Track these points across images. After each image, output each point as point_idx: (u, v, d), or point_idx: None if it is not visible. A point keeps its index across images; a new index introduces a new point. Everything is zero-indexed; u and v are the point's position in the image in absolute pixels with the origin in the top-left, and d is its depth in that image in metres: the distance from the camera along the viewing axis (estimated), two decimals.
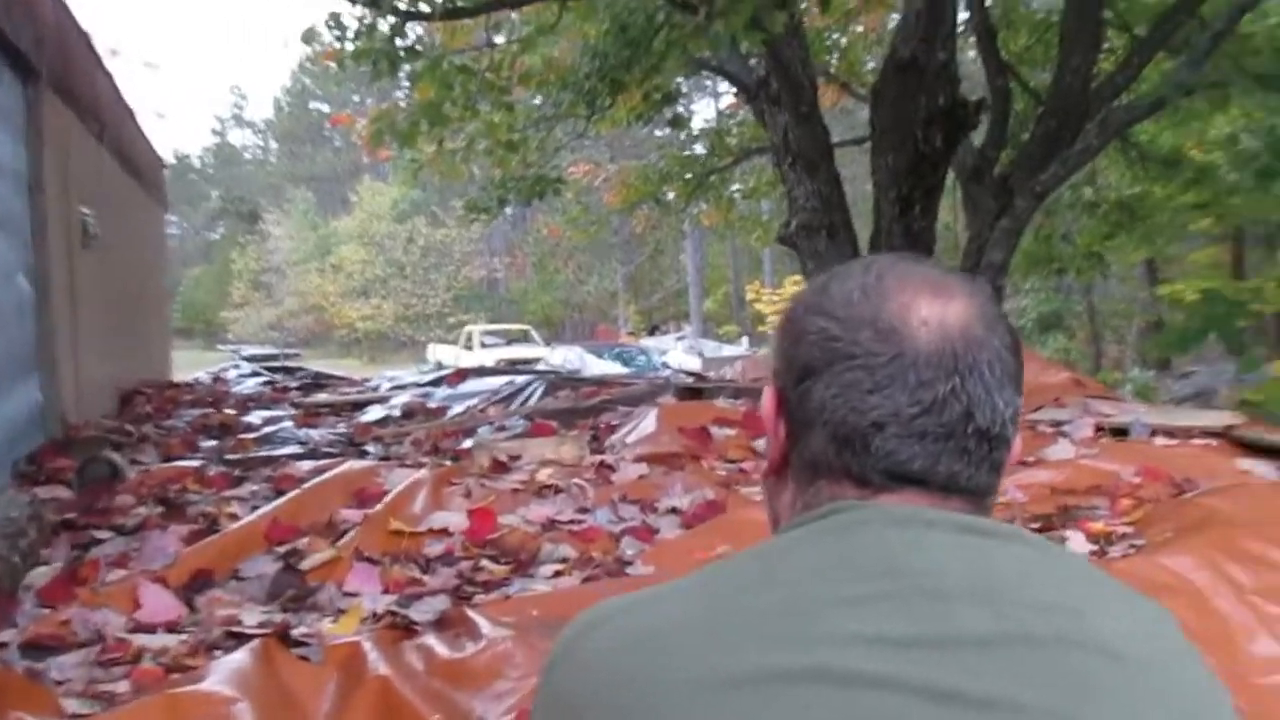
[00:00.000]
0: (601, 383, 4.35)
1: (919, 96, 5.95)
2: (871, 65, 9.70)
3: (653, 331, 28.78)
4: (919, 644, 0.71)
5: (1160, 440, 2.65)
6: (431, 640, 1.59)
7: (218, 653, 1.50)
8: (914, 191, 6.19)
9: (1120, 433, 2.83)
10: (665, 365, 19.18)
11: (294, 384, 6.29)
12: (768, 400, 0.90)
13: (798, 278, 28.05)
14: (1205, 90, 5.16)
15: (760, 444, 2.85)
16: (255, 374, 6.48)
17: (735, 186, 12.05)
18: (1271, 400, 3.31)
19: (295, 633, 1.59)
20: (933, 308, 0.83)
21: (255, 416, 4.54)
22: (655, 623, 0.77)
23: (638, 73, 7.24)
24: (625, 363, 19.23)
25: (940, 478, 0.81)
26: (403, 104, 7.80)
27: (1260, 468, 2.38)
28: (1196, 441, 2.62)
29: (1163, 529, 1.81)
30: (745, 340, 26.83)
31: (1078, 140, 5.86)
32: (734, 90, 8.95)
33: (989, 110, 6.85)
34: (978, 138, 7.01)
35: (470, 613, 1.67)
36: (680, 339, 26.10)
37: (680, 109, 9.40)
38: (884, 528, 0.79)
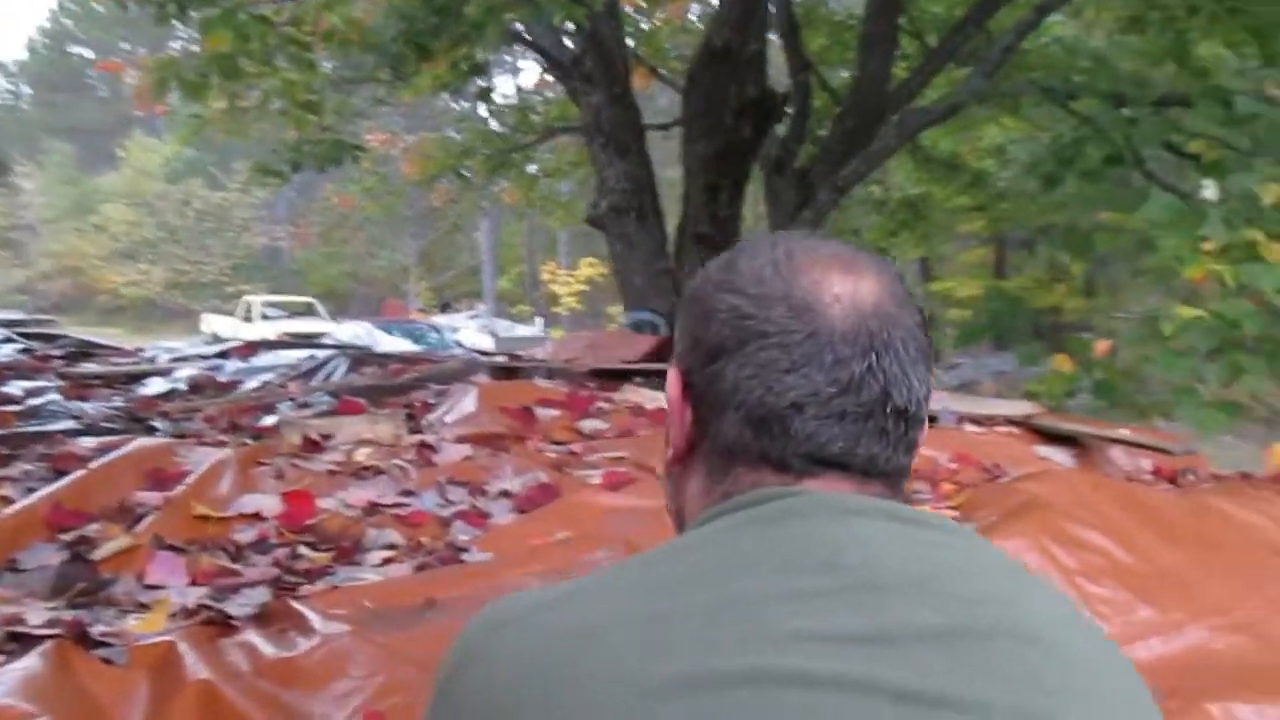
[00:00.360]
0: (410, 359, 4.17)
1: (730, 85, 6.05)
2: (676, 55, 9.81)
3: (444, 309, 28.25)
4: (871, 641, 0.66)
5: (969, 427, 2.78)
6: (254, 637, 1.44)
7: (0, 658, 1.30)
8: (722, 179, 6.30)
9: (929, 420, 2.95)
10: (458, 344, 18.87)
11: (57, 352, 5.72)
12: (673, 384, 0.84)
13: (594, 259, 28.29)
14: (997, 99, 5.53)
15: (587, 425, 2.80)
16: (9, 340, 5.84)
17: (533, 167, 11.91)
18: (1050, 392, 3.57)
19: (93, 632, 1.40)
20: (844, 284, 0.80)
21: (14, 387, 4.08)
22: (586, 620, 0.69)
23: (446, 40, 7.01)
24: (415, 340, 18.77)
25: (860, 460, 0.78)
26: (180, 53, 7.24)
27: (1057, 455, 2.54)
28: (1000, 429, 2.76)
29: (987, 513, 1.88)
30: (540, 321, 26.76)
31: (877, 139, 6.13)
32: (541, 67, 8.83)
33: (792, 104, 7.05)
34: (779, 130, 7.21)
35: (296, 605, 1.52)
36: (474, 317, 25.74)
37: (486, 82, 9.16)
38: (816, 517, 0.75)
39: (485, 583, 1.64)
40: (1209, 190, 3.09)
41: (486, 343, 18.05)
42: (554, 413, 2.86)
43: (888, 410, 0.78)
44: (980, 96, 5.57)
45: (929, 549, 0.74)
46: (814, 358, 0.76)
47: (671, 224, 6.90)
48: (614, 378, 3.75)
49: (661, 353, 4.03)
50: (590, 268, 27.92)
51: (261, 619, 1.50)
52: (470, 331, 21.89)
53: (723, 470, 0.80)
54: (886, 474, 0.80)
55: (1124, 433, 2.73)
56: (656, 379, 3.68)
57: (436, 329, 21.41)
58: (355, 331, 19.02)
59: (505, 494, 2.15)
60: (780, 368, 0.76)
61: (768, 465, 0.79)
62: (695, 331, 0.82)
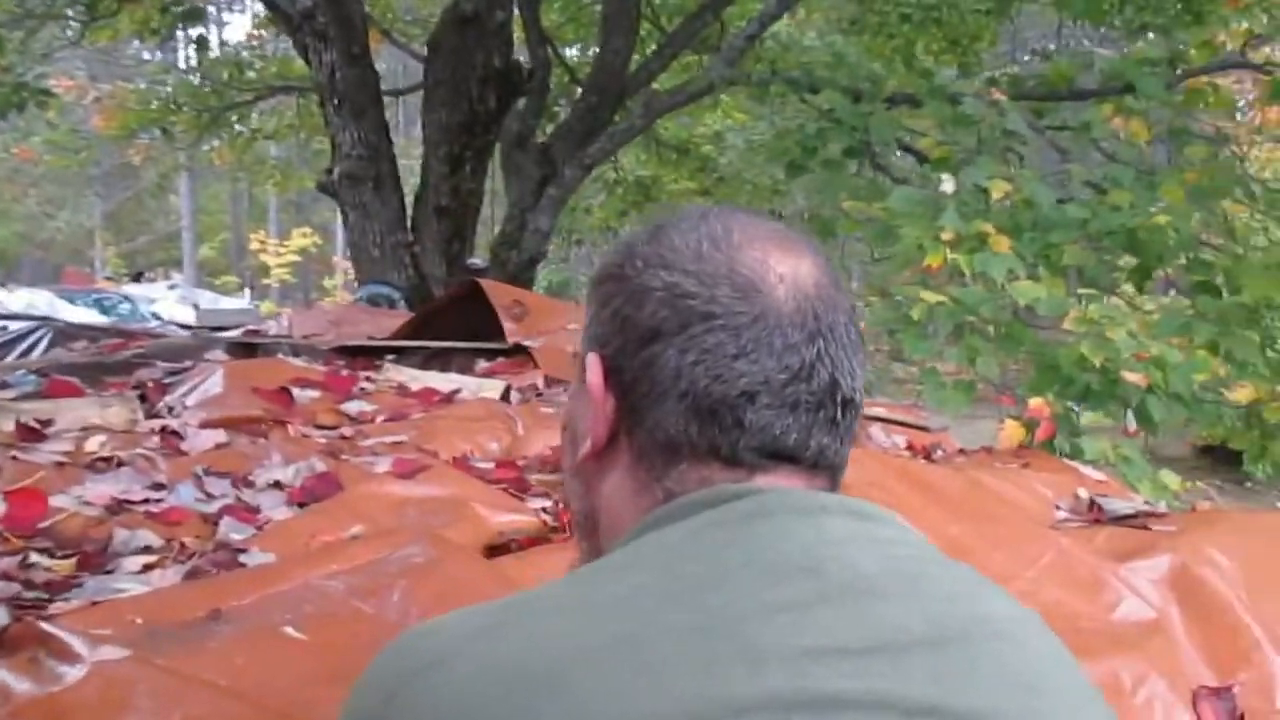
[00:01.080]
0: (127, 334, 3.73)
1: (476, 53, 5.87)
2: (410, 18, 9.45)
3: (138, 278, 25.82)
4: (871, 653, 0.60)
5: None
6: None
7: None
8: (465, 150, 6.12)
9: None
10: (155, 316, 17.36)
11: None
12: (593, 370, 0.74)
13: (308, 230, 26.87)
14: (745, 87, 5.73)
15: (352, 407, 2.59)
16: None
17: (239, 127, 11.04)
18: None
19: None
20: (786, 263, 0.74)
21: None
22: (539, 653, 0.59)
23: None
24: (104, 311, 17.10)
25: (812, 453, 0.73)
26: None
27: None
28: None
29: None
30: (248, 293, 25.11)
31: (624, 119, 6.17)
32: (268, 18, 8.21)
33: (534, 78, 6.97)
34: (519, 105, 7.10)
35: (48, 627, 1.28)
36: (172, 288, 23.68)
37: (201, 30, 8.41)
38: (782, 517, 0.68)
39: (277, 587, 1.46)
40: (948, 184, 3.33)
41: (187, 315, 16.70)
42: (313, 394, 2.63)
43: (837, 399, 0.73)
44: (726, 82, 5.74)
45: (893, 546, 0.69)
46: (763, 342, 0.70)
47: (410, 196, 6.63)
48: (363, 355, 3.52)
49: (416, 329, 3.83)
50: (304, 238, 26.51)
51: (3, 645, 1.24)
52: (169, 303, 20.10)
53: (662, 466, 0.72)
54: (832, 467, 0.74)
55: (880, 410, 2.87)
56: (414, 358, 3.50)
57: (129, 299, 19.52)
58: (32, 301, 17.00)
59: (277, 485, 1.94)
60: (728, 353, 0.69)
61: (716, 460, 0.71)
62: (622, 311, 0.73)
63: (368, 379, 2.94)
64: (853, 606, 0.62)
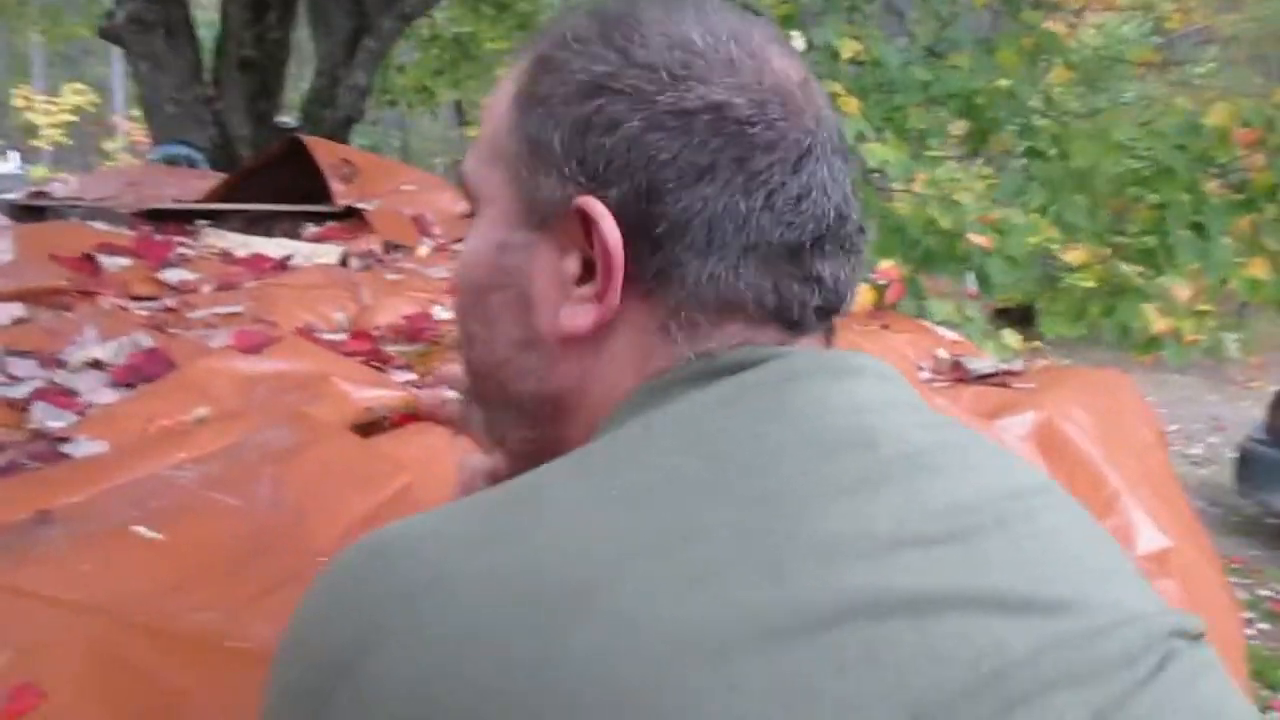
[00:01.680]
0: None
1: None
2: None
3: None
4: (952, 539, 0.51)
5: None
6: None
7: None
8: None
9: None
10: None
11: None
12: (609, 225, 0.57)
13: (81, 86, 24.35)
14: None
15: (172, 276, 2.31)
16: None
17: None
18: None
19: None
20: (796, 69, 0.63)
21: None
22: (560, 562, 0.46)
23: None
24: None
25: (848, 305, 0.63)
26: None
27: None
28: None
29: None
30: (16, 156, 22.65)
31: None
32: None
33: None
34: None
35: None
36: None
37: None
38: (822, 381, 0.57)
39: (115, 481, 1.26)
40: (797, 40, 3.23)
41: None
42: (123, 261, 2.34)
43: (858, 234, 0.63)
44: None
45: (924, 413, 0.60)
46: (818, 176, 0.58)
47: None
48: (173, 220, 3.17)
49: (231, 191, 3.48)
50: (78, 95, 24.04)
51: None
52: None
53: (708, 327, 0.58)
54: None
55: None
56: (231, 222, 3.18)
57: None
58: None
59: (96, 364, 1.70)
60: (792, 193, 0.57)
61: (778, 321, 0.59)
62: (644, 139, 0.56)
63: (184, 245, 2.64)
64: (916, 485, 0.53)
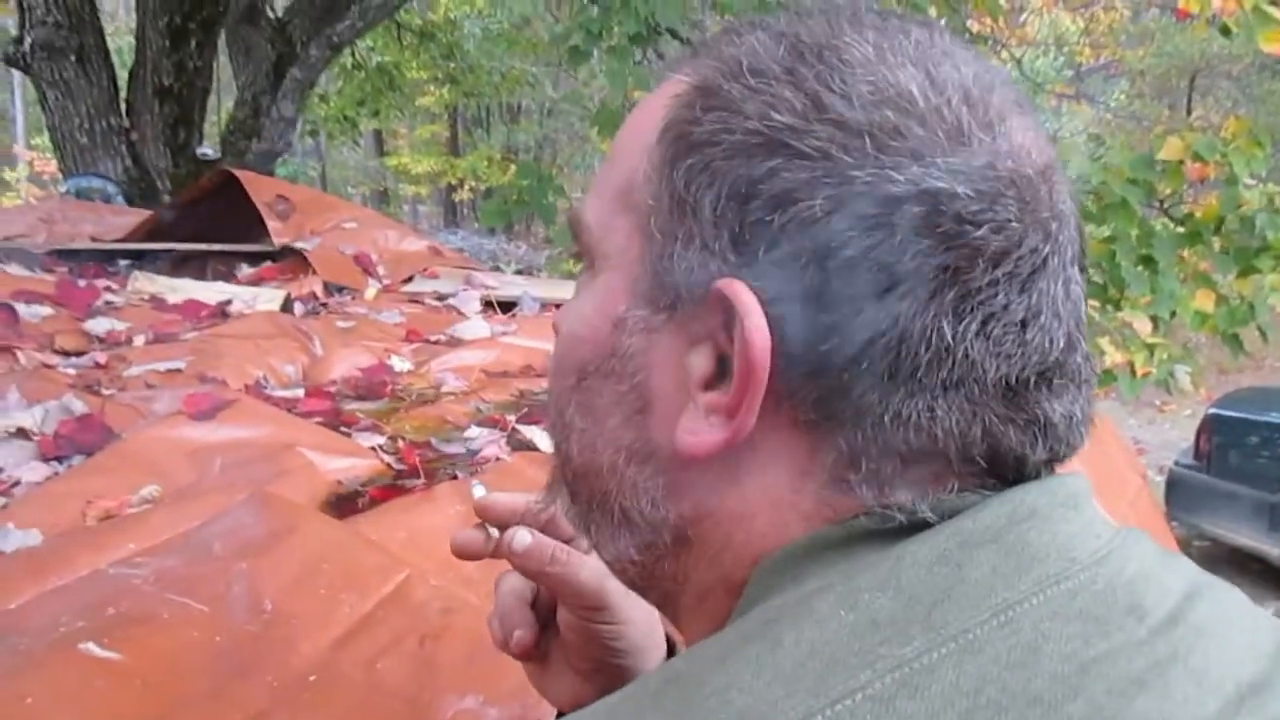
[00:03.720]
0: None
1: None
2: None
3: None
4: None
5: (551, 314, 2.56)
6: None
7: None
8: (189, 22, 5.32)
9: (508, 306, 2.68)
10: None
11: None
12: (757, 322, 0.42)
13: None
14: None
15: (99, 326, 2.10)
16: None
17: None
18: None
19: None
20: (1041, 147, 0.47)
21: None
22: None
23: None
24: None
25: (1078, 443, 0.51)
26: None
27: None
28: None
29: None
30: None
31: None
32: None
33: None
34: None
35: None
36: None
37: None
38: (1057, 524, 0.45)
39: (54, 582, 1.08)
40: None
41: None
42: (44, 310, 2.13)
43: (1090, 371, 0.50)
44: None
45: (1147, 542, 0.48)
46: (1047, 295, 0.44)
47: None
48: (93, 261, 2.94)
49: (157, 230, 3.26)
50: None
51: None
52: None
53: (890, 475, 0.44)
54: None
55: None
56: (158, 263, 2.97)
57: None
58: None
59: (21, 433, 1.50)
60: (1016, 318, 0.43)
61: (991, 476, 0.45)
62: (825, 229, 0.41)
63: (110, 290, 2.42)
64: (1181, 649, 0.41)
